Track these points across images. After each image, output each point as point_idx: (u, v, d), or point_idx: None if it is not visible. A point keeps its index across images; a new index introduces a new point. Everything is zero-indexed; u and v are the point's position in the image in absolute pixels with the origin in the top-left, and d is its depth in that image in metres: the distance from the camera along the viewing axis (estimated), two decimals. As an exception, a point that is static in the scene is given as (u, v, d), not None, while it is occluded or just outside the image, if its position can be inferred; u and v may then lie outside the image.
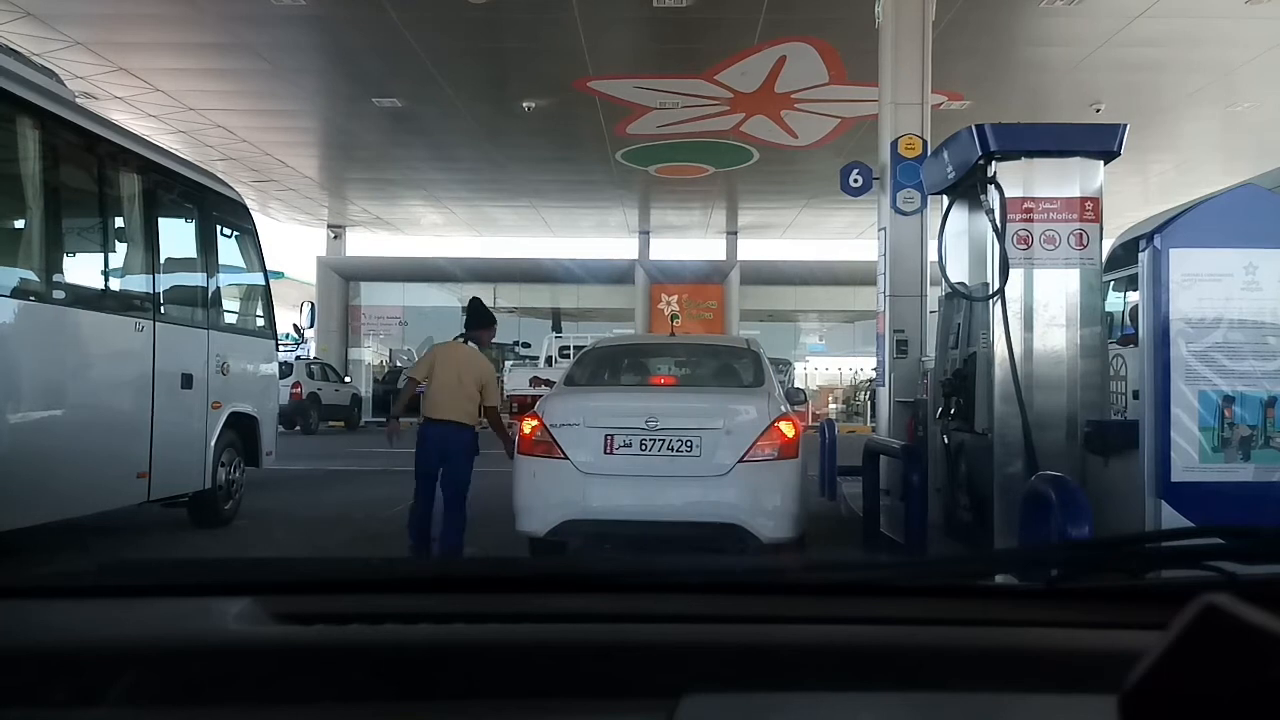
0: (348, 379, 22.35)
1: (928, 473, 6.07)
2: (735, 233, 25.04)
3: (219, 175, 8.58)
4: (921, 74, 8.41)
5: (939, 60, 8.81)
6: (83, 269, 6.23)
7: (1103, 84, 12.84)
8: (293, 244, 27.15)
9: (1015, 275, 5.12)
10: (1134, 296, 7.47)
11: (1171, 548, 1.13)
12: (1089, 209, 5.15)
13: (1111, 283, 8.46)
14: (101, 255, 6.35)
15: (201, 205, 7.53)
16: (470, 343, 6.26)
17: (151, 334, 6.45)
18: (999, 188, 5.14)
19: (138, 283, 6.66)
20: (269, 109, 14.82)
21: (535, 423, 5.46)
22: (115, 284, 6.50)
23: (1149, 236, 3.95)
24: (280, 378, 10.28)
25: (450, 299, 26.95)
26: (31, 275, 5.66)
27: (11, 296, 5.26)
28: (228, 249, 7.91)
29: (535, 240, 26.75)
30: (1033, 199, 5.16)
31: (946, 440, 6.03)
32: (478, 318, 6.38)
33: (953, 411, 5.88)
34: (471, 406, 5.96)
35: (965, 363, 5.77)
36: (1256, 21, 10.54)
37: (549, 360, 20.91)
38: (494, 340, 6.65)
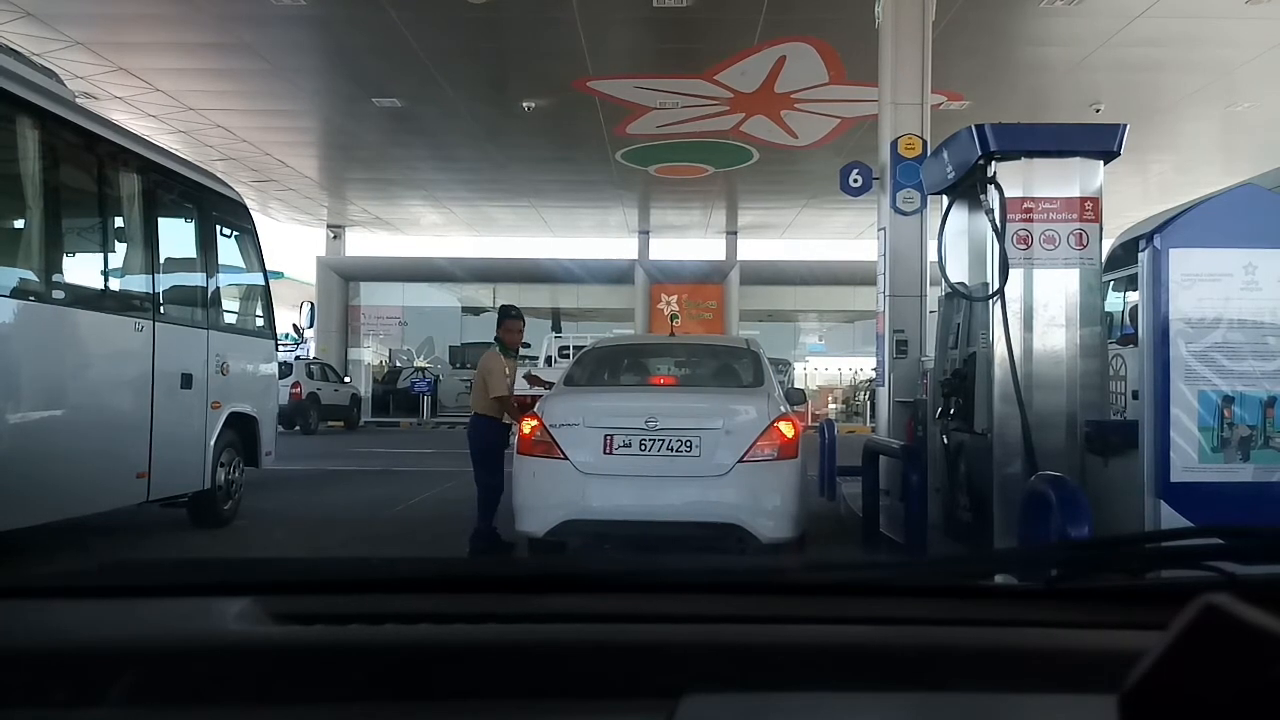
0: (347, 379, 22.33)
1: (928, 473, 6.06)
2: (735, 233, 25.04)
3: (219, 175, 8.57)
4: (921, 74, 8.41)
5: (939, 60, 8.81)
6: (82, 269, 6.22)
7: (1103, 84, 12.84)
8: (293, 244, 27.11)
9: (1015, 275, 5.11)
10: (1134, 296, 7.46)
11: (1171, 548, 1.13)
12: (1089, 209, 5.15)
13: (1111, 283, 8.45)
14: (101, 255, 6.34)
15: (201, 205, 7.52)
16: (497, 344, 6.82)
17: (151, 334, 6.45)
18: (999, 188, 5.14)
19: (137, 283, 6.65)
20: (269, 109, 14.81)
21: (535, 423, 5.46)
22: (115, 284, 6.49)
23: (1149, 236, 3.95)
24: (280, 378, 10.27)
25: (450, 299, 26.96)
26: (31, 275, 5.65)
27: (11, 296, 5.25)
28: (227, 249, 7.90)
29: (535, 240, 26.74)
30: (1032, 199, 5.16)
31: (946, 440, 6.03)
32: (498, 320, 6.97)
33: (952, 411, 5.88)
34: (486, 398, 6.54)
35: (965, 363, 5.77)
36: (1256, 21, 10.54)
37: (548, 360, 20.91)
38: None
